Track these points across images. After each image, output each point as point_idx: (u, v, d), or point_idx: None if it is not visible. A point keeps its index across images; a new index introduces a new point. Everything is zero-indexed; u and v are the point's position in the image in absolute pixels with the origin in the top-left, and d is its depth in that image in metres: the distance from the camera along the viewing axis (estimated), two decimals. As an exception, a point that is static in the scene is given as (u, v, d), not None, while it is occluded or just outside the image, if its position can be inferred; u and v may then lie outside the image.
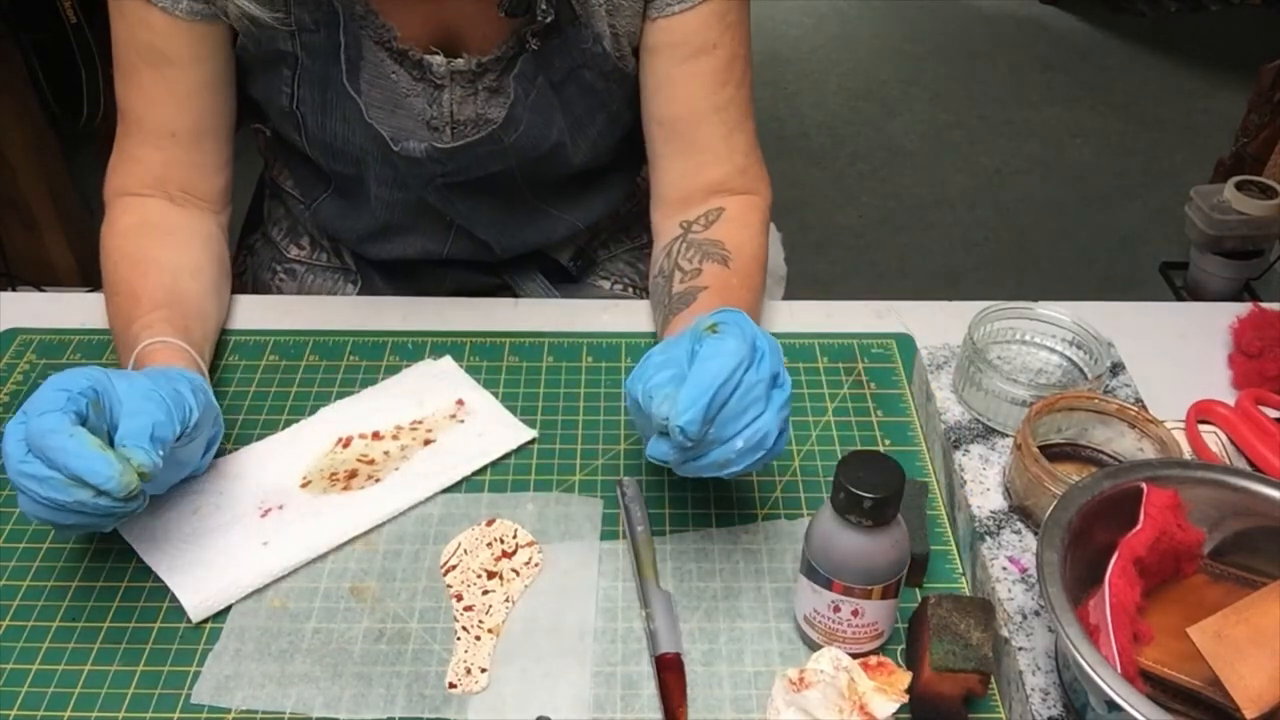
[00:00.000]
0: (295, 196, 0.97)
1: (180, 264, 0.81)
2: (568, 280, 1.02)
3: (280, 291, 1.00)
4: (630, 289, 1.03)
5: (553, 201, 0.93)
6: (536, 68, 0.81)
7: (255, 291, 1.01)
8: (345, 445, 0.76)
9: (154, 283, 0.78)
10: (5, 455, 0.59)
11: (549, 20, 0.78)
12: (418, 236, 0.93)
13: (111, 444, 0.61)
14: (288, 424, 0.78)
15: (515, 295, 0.99)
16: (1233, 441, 0.75)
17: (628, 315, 0.90)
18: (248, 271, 1.03)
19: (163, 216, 0.84)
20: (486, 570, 0.68)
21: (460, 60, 0.81)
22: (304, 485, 0.73)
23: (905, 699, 0.57)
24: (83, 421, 0.60)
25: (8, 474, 0.60)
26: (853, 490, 0.56)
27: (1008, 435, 0.74)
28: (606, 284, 1.03)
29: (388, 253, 0.94)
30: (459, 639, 0.64)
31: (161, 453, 0.62)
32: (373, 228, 0.93)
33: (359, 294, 0.98)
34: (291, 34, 0.79)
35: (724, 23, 0.82)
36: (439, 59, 0.81)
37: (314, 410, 0.79)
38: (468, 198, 0.89)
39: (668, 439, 0.60)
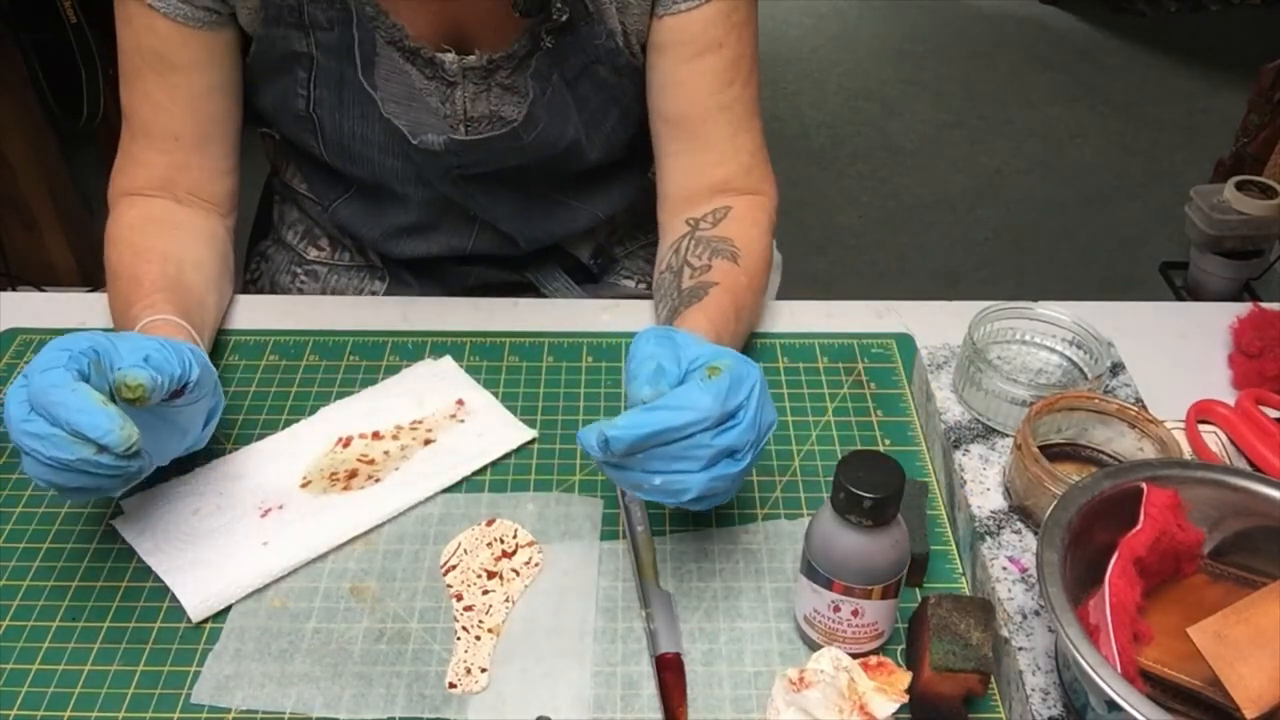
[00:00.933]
0: (311, 199, 0.97)
1: (184, 256, 0.81)
2: (590, 280, 1.02)
3: (301, 294, 0.99)
4: None
5: (571, 194, 0.94)
6: (551, 65, 0.82)
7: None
8: (345, 445, 0.76)
9: (157, 270, 0.78)
10: (7, 418, 0.59)
11: (564, 19, 0.78)
12: (442, 233, 0.94)
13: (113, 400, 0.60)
14: (288, 424, 0.78)
15: (539, 291, 1.00)
16: (1233, 441, 0.75)
17: (628, 315, 0.90)
18: (263, 277, 1.02)
19: (167, 213, 0.84)
20: (486, 570, 0.68)
21: (472, 57, 0.82)
22: (304, 485, 0.73)
23: (905, 699, 0.57)
24: (85, 380, 0.60)
25: (11, 437, 0.59)
26: (853, 490, 0.56)
27: (1008, 435, 0.74)
28: (631, 283, 1.03)
29: (411, 250, 0.94)
30: (459, 639, 0.64)
31: (160, 381, 0.61)
32: (396, 227, 0.93)
33: (387, 291, 0.98)
34: (306, 33, 0.79)
35: (730, 22, 0.82)
36: (451, 56, 0.81)
37: (314, 410, 0.79)
38: (486, 191, 0.89)
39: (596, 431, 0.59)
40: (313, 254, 1.00)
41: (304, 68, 0.81)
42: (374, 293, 0.98)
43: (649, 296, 1.01)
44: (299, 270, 1.00)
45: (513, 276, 1.00)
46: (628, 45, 0.83)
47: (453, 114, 0.84)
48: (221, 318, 0.87)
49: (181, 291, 0.78)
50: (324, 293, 0.99)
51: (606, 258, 1.03)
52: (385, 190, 0.90)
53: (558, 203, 0.94)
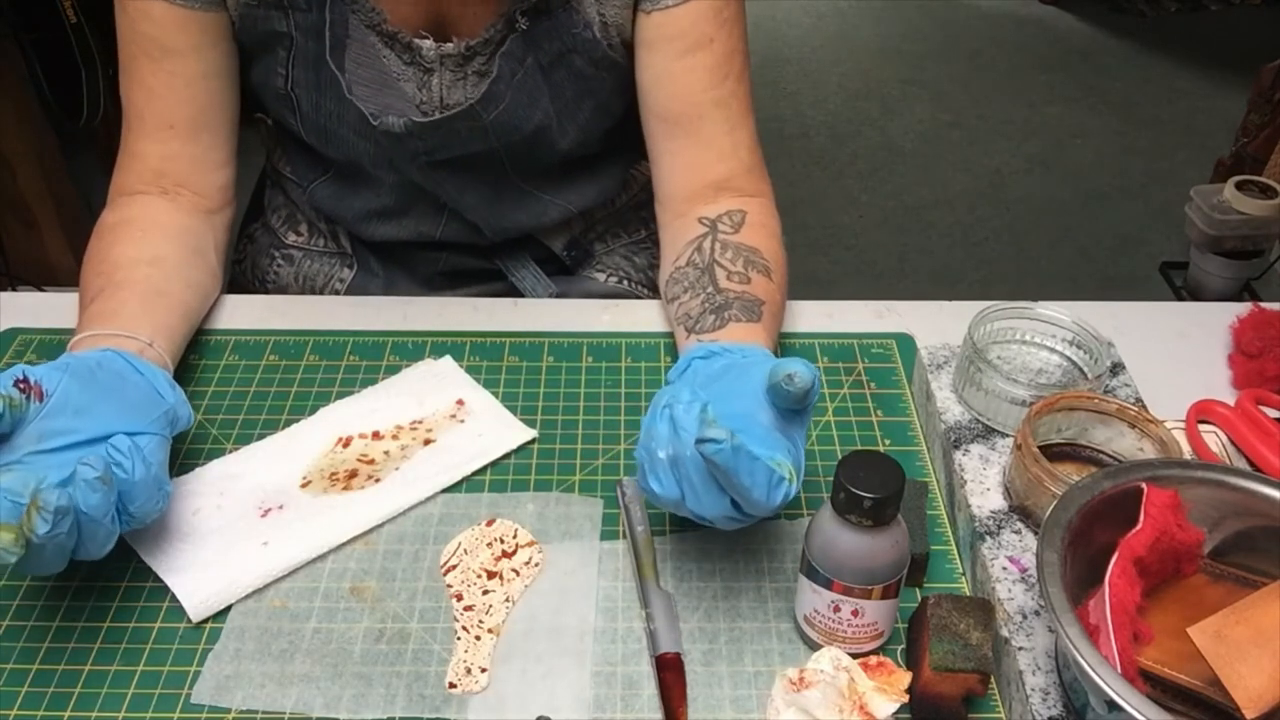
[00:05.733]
0: (294, 181, 0.98)
1: (139, 255, 0.80)
2: (563, 271, 1.02)
3: (277, 277, 1.00)
4: (626, 282, 1.02)
5: (541, 185, 0.94)
6: (525, 49, 0.82)
7: (254, 278, 1.02)
8: (345, 445, 0.76)
9: (99, 283, 0.77)
10: None
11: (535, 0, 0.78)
12: (412, 219, 0.94)
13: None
14: (288, 424, 0.78)
15: (507, 280, 0.99)
16: (1233, 441, 0.75)
17: (628, 315, 0.90)
18: (247, 259, 1.03)
19: (143, 211, 0.83)
20: (486, 570, 0.68)
21: (450, 44, 0.82)
22: (304, 485, 0.73)
23: (905, 699, 0.57)
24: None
25: None
26: (853, 490, 0.56)
27: (1008, 435, 0.74)
28: (602, 276, 1.02)
29: (383, 234, 0.95)
30: (459, 639, 0.64)
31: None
32: (369, 210, 0.94)
33: (353, 277, 0.99)
34: (285, 13, 0.80)
35: (720, 18, 0.82)
36: (429, 43, 0.81)
37: (314, 410, 0.79)
38: (454, 177, 0.89)
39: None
40: (291, 238, 1.00)
41: (284, 47, 0.82)
42: (342, 279, 0.99)
43: (621, 292, 1.01)
44: (276, 254, 1.00)
45: (482, 264, 0.99)
46: (606, 37, 0.83)
47: (429, 101, 0.84)
48: (203, 304, 0.85)
49: (126, 289, 0.76)
50: (297, 277, 0.99)
51: (581, 251, 1.02)
52: (360, 172, 0.90)
53: (527, 194, 0.93)
